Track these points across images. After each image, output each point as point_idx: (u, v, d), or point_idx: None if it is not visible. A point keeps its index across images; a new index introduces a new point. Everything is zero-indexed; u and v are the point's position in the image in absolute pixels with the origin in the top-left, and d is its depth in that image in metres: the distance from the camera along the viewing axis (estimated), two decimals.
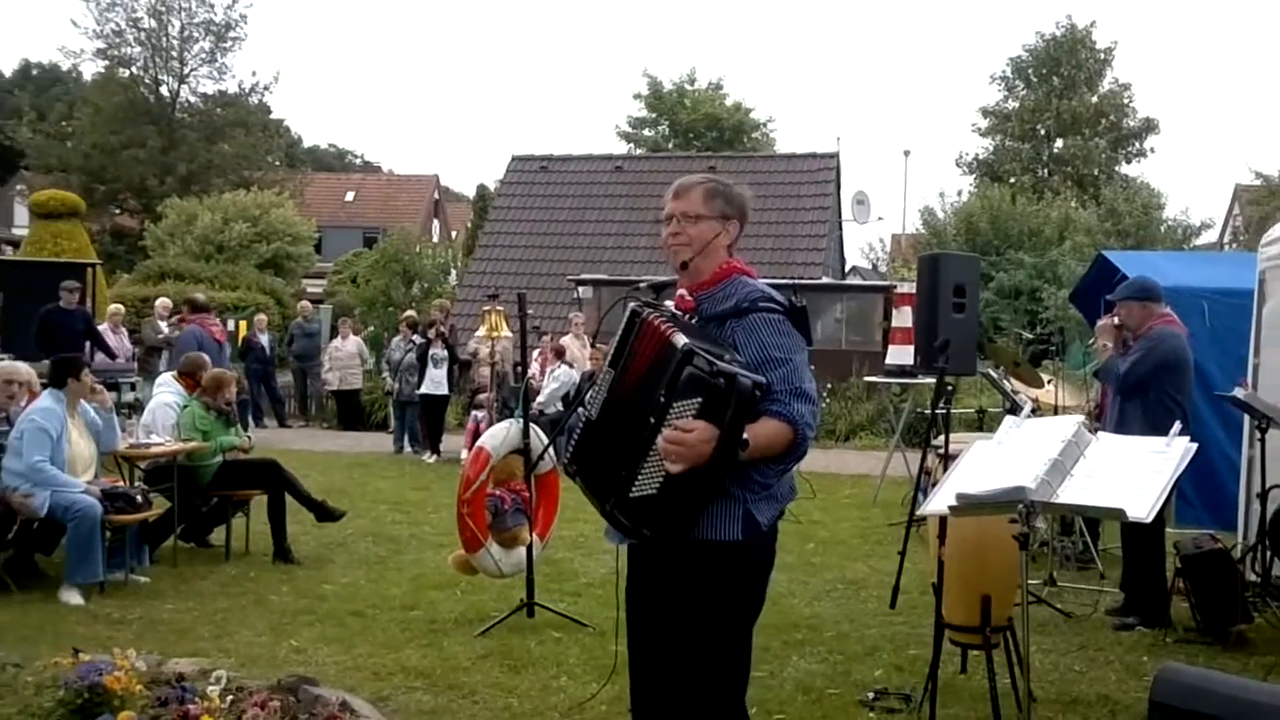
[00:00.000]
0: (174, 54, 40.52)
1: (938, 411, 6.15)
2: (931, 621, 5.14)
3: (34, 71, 53.96)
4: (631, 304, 3.09)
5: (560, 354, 13.51)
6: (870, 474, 11.84)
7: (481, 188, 41.71)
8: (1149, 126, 38.03)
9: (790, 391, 2.95)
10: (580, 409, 3.17)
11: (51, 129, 40.87)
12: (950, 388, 5.84)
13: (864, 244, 38.22)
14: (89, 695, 3.84)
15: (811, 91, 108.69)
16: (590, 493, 3.08)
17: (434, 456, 13.80)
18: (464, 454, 12.41)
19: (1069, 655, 5.82)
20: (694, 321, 3.08)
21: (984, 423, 9.84)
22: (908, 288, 11.90)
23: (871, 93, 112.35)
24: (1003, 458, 4.11)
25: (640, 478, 2.90)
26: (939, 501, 4.04)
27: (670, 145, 40.39)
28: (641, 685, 3.23)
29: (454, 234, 51.17)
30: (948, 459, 5.63)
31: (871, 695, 5.05)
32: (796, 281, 20.12)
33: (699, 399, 2.80)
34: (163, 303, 16.51)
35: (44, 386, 7.42)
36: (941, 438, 6.27)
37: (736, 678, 3.08)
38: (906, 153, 34.53)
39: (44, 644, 5.44)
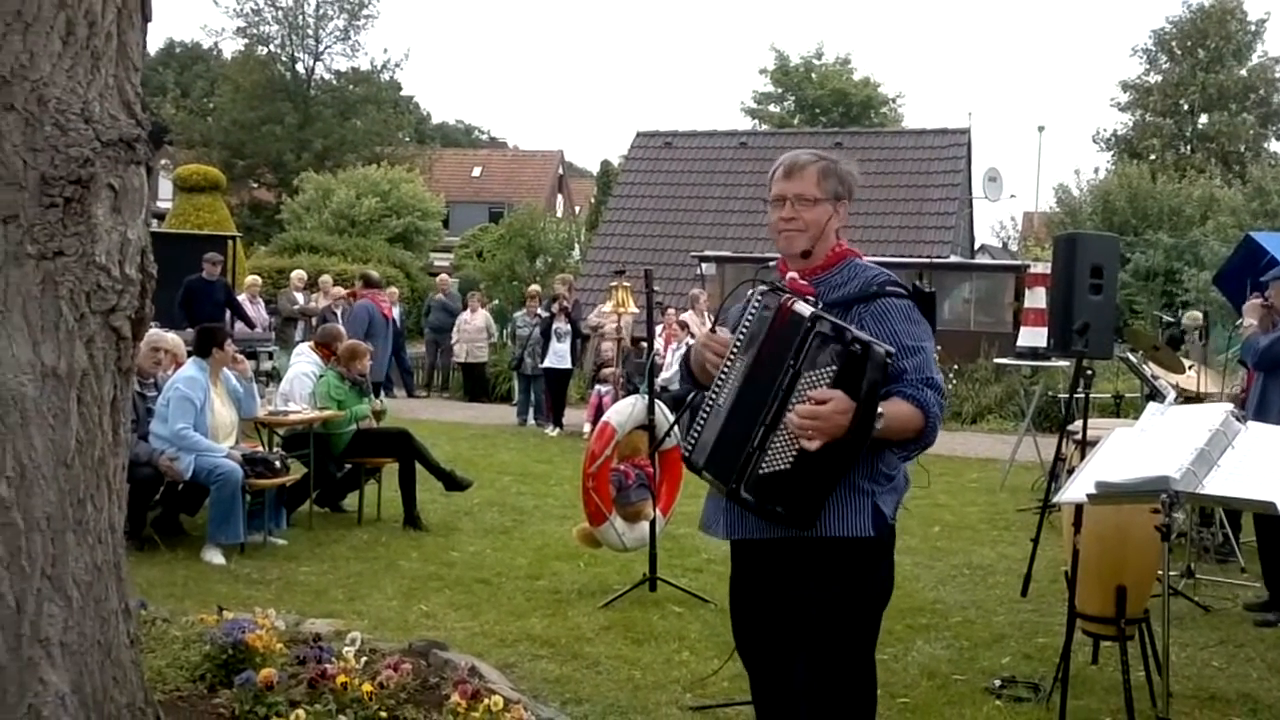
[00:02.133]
0: (309, 32, 41.72)
1: (1075, 396, 5.98)
2: (1061, 610, 5.03)
3: (177, 50, 56.07)
4: (761, 288, 2.94)
5: (686, 329, 13.54)
6: (998, 458, 11.58)
7: (605, 163, 41.95)
8: None
9: (921, 380, 2.88)
10: (708, 395, 2.97)
11: (194, 106, 42.49)
12: (1090, 372, 5.66)
13: (995, 222, 37.34)
14: (233, 652, 4.01)
15: (942, 66, 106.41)
16: (716, 478, 2.92)
17: (556, 429, 13.97)
18: (586, 428, 12.55)
19: (1207, 650, 5.62)
20: (818, 306, 2.96)
21: (1121, 409, 9.52)
22: (1041, 268, 11.60)
23: (1005, 67, 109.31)
24: (1146, 446, 3.99)
25: (770, 452, 2.78)
26: (1077, 489, 3.94)
27: (796, 121, 39.97)
28: (766, 687, 3.17)
29: (578, 209, 51.60)
30: (1086, 445, 5.47)
31: (998, 683, 4.95)
32: (930, 261, 19.80)
33: (833, 367, 2.70)
34: (298, 275, 17.05)
35: (189, 354, 7.74)
36: (1078, 423, 6.09)
37: (870, 668, 3.04)
38: (1041, 128, 33.77)
39: (189, 600, 5.70)
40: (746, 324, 2.91)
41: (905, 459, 2.98)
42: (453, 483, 8.42)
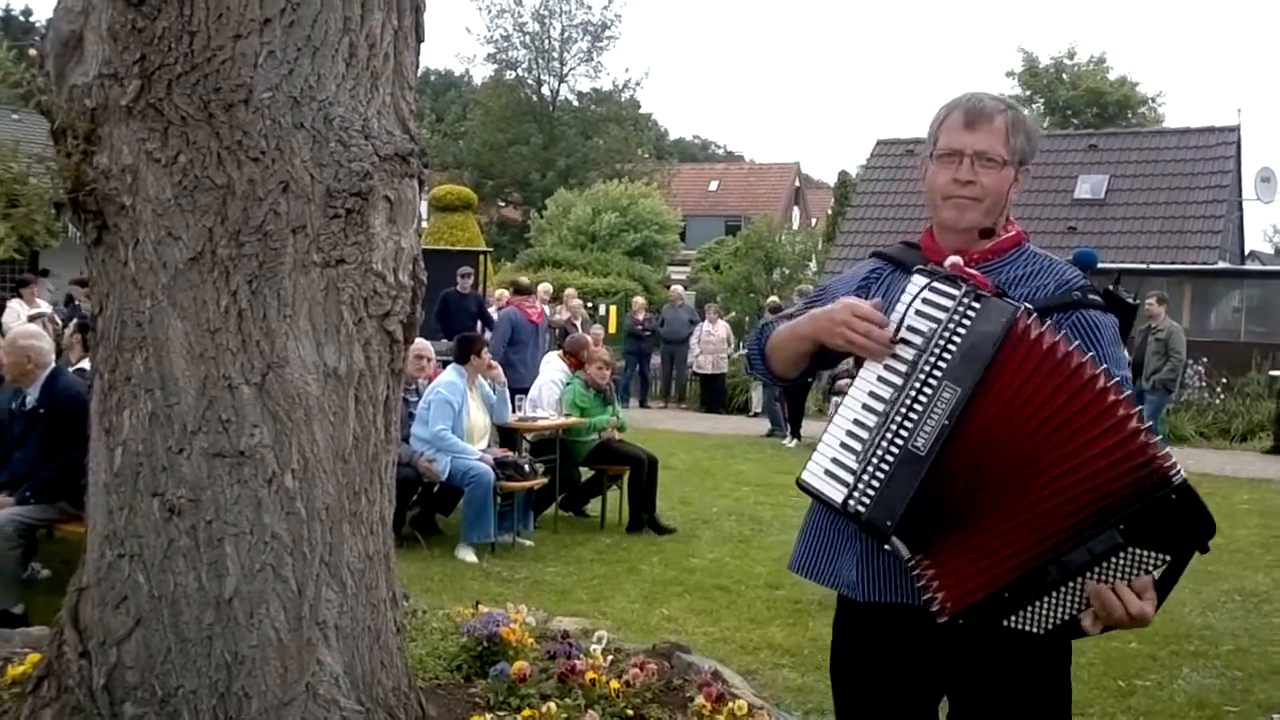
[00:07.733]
0: (555, 55, 43.18)
1: None
2: None
3: (432, 78, 59.24)
4: (953, 286, 2.09)
5: None
6: (1273, 479, 10.76)
7: (843, 174, 41.41)
8: None
9: None
10: (875, 421, 2.08)
11: (448, 130, 44.73)
12: None
13: (1268, 226, 34.67)
14: (488, 644, 4.18)
15: (1208, 62, 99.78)
16: (908, 547, 2.06)
17: (795, 441, 13.88)
18: None
19: None
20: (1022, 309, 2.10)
21: None
22: None
23: (1279, 58, 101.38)
24: None
25: (1032, 610, 2.03)
26: None
27: (1046, 124, 38.39)
28: None
29: (814, 221, 51.20)
30: None
31: (1277, 718, 4.60)
32: (1195, 268, 18.58)
33: (1167, 556, 2.02)
34: (543, 288, 17.62)
35: (442, 364, 8.14)
36: None
37: None
38: None
39: (445, 594, 5.99)
40: (951, 338, 2.05)
41: None
42: (655, 526, 8.32)
